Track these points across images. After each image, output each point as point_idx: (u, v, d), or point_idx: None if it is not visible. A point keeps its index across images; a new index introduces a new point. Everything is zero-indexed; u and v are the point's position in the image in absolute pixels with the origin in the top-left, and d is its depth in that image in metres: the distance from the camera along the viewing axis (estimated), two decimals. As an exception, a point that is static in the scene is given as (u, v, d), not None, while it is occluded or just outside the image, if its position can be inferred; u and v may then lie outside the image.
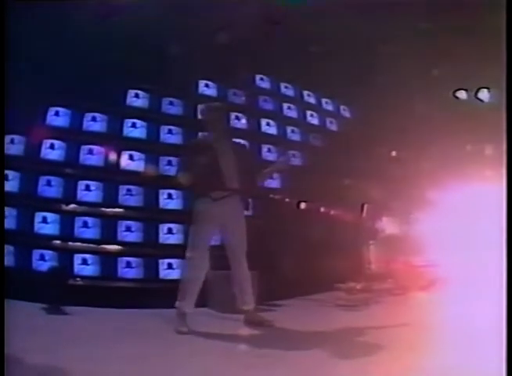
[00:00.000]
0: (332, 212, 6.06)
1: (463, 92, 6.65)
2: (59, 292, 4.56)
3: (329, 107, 7.63)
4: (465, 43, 6.16)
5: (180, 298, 4.09)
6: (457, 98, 6.67)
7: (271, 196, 6.27)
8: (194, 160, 4.12)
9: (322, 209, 6.15)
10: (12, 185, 5.43)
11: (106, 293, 5.20)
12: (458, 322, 3.91)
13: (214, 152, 4.16)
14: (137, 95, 6.27)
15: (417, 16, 6.21)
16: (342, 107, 7.70)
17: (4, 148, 5.12)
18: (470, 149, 6.50)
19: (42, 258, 5.28)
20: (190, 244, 4.16)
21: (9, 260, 5.14)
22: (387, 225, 6.43)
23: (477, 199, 5.77)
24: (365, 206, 5.93)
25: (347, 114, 7.71)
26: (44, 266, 5.21)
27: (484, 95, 6.47)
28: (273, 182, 6.48)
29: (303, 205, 5.95)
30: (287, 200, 6.10)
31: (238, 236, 4.21)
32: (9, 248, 5.16)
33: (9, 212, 5.27)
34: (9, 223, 5.26)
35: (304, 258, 5.67)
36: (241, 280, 4.23)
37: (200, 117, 4.38)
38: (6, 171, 5.38)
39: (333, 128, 7.49)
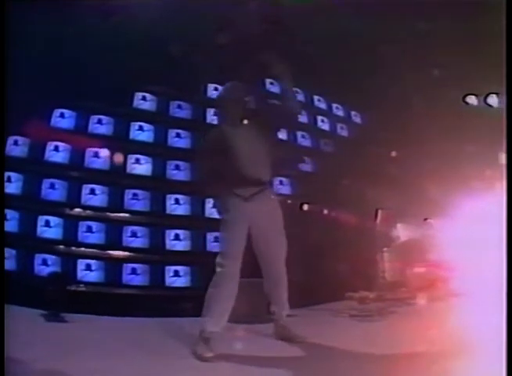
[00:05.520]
0: (344, 218, 5.87)
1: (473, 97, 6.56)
2: (60, 298, 4.39)
3: (340, 113, 7.50)
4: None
5: (206, 314, 3.52)
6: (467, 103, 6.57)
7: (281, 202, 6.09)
8: (212, 163, 3.71)
9: (333, 215, 5.96)
10: (14, 187, 5.33)
11: (109, 300, 5.07)
12: (477, 332, 3.69)
13: (232, 143, 3.64)
14: (144, 98, 6.17)
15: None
16: (353, 113, 7.56)
17: (4, 150, 5.00)
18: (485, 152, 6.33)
19: (45, 262, 5.16)
20: (224, 251, 3.64)
21: (10, 264, 5.04)
22: (402, 232, 6.23)
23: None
24: (379, 212, 5.75)
25: (358, 120, 7.58)
26: (46, 271, 5.08)
27: (493, 100, 6.38)
28: (284, 188, 6.36)
29: (313, 210, 5.77)
30: (297, 205, 5.91)
31: (273, 239, 3.74)
32: (10, 252, 5.06)
33: (12, 215, 5.19)
34: (11, 226, 5.18)
35: (314, 266, 5.49)
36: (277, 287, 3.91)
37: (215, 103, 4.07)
38: (9, 173, 5.29)
39: (344, 133, 7.35)
